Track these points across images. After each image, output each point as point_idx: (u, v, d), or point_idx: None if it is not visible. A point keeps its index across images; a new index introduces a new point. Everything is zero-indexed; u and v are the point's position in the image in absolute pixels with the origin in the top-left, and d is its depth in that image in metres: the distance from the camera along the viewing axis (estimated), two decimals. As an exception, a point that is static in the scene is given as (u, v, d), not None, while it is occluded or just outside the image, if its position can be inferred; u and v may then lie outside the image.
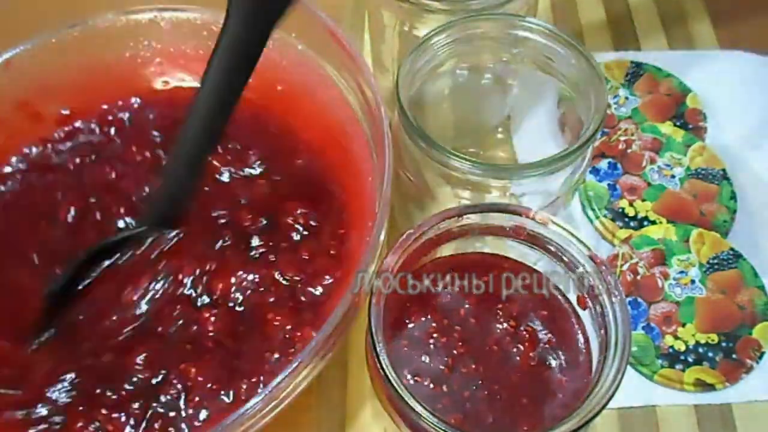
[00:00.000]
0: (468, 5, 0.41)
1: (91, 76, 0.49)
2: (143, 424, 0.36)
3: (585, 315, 0.33)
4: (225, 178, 0.45)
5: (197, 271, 0.40)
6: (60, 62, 0.48)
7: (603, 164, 0.52)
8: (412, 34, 0.45)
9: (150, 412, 0.36)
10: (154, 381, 0.37)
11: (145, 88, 0.50)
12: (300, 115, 0.49)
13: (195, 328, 0.39)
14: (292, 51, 0.47)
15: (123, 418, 0.36)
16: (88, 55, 0.49)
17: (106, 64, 0.50)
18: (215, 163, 0.46)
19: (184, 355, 0.37)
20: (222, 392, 0.37)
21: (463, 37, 0.41)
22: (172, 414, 0.36)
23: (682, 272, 0.47)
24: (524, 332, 0.32)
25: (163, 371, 0.37)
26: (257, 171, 0.46)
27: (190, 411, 0.36)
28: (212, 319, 0.39)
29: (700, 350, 0.44)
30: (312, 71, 0.46)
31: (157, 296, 0.39)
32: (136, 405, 0.36)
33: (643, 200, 0.50)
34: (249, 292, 0.40)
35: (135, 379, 0.37)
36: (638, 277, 0.47)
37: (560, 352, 0.32)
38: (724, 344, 0.44)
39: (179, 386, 0.37)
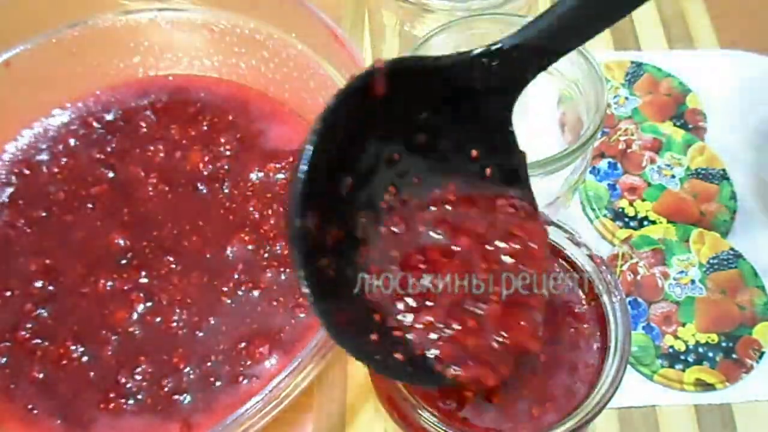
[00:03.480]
0: (468, 5, 0.41)
1: (91, 76, 0.49)
2: None
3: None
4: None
5: None
6: (60, 62, 0.48)
7: (603, 164, 0.52)
8: (412, 34, 0.45)
9: None
10: None
11: (146, 87, 0.50)
12: (299, 115, 0.49)
13: None
14: (292, 51, 0.47)
15: None
16: (88, 55, 0.49)
17: (106, 64, 0.50)
18: (206, 159, 0.46)
19: None
20: None
21: (463, 37, 0.40)
22: None
23: (682, 272, 0.47)
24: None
25: None
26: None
27: None
28: None
29: (700, 350, 0.44)
30: (312, 71, 0.46)
31: None
32: None
33: (643, 200, 0.50)
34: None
35: None
36: (638, 277, 0.47)
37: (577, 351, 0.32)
38: (724, 344, 0.44)
39: None
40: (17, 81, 0.47)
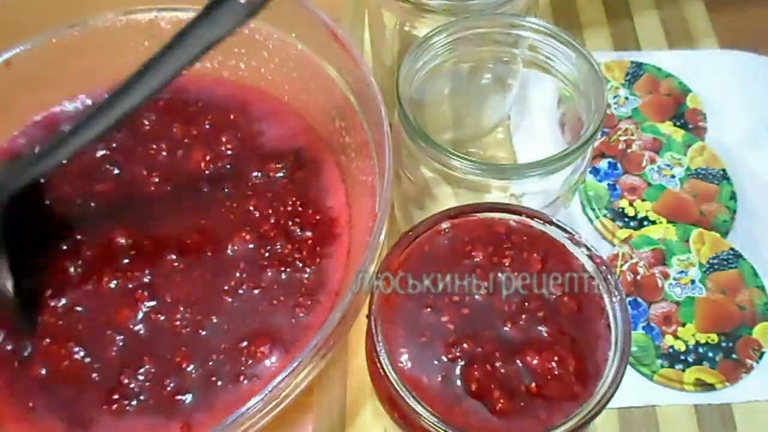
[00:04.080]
0: (468, 5, 0.41)
1: (91, 76, 0.49)
2: None
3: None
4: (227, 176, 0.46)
5: None
6: (60, 62, 0.48)
7: (603, 164, 0.52)
8: (412, 34, 0.45)
9: None
10: None
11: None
12: (299, 115, 0.49)
13: None
14: (292, 51, 0.47)
15: None
16: (88, 55, 0.49)
17: (106, 64, 0.50)
18: (208, 158, 0.46)
19: None
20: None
21: (463, 37, 0.40)
22: None
23: (682, 272, 0.47)
24: (533, 330, 0.32)
25: None
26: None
27: None
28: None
29: (700, 350, 0.44)
30: (312, 71, 0.46)
31: None
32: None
33: (643, 200, 0.50)
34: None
35: None
36: (638, 277, 0.47)
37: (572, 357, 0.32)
38: (724, 344, 0.44)
39: None
40: (17, 81, 0.47)
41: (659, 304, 0.46)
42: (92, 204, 0.45)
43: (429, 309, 0.32)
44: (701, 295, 0.46)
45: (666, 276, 0.47)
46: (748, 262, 0.47)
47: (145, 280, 0.41)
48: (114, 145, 0.47)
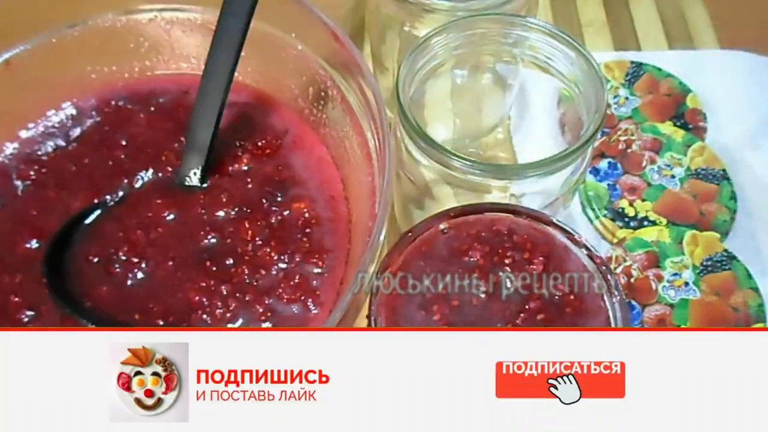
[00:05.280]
0: (468, 5, 0.41)
1: (91, 76, 0.49)
2: None
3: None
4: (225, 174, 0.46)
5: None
6: (60, 62, 0.48)
7: (603, 164, 0.52)
8: (412, 34, 0.45)
9: None
10: None
11: (145, 86, 0.50)
12: (299, 116, 0.49)
13: None
14: (292, 51, 0.47)
15: None
16: (88, 55, 0.49)
17: (106, 64, 0.50)
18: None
19: None
20: None
21: (463, 37, 0.41)
22: None
23: (675, 274, 0.47)
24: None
25: None
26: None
27: None
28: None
29: (700, 350, 0.44)
30: (312, 71, 0.46)
31: None
32: None
33: (643, 200, 0.50)
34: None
35: None
36: (632, 280, 0.47)
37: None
38: (723, 344, 0.44)
39: None
40: (17, 81, 0.47)
41: (653, 307, 0.46)
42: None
43: (428, 309, 0.32)
44: (695, 298, 0.46)
45: (660, 278, 0.47)
46: (741, 263, 0.47)
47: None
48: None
